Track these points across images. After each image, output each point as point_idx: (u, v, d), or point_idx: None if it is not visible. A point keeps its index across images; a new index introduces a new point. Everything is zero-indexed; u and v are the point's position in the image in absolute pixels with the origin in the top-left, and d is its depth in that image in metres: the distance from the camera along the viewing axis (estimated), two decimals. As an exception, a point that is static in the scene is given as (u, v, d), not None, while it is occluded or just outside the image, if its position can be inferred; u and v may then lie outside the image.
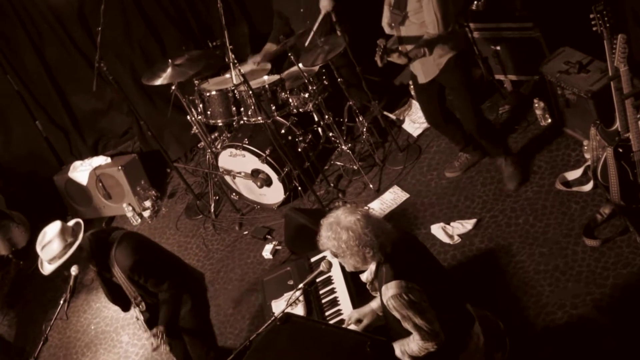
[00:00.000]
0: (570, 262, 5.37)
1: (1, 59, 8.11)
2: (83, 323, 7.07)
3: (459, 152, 6.59)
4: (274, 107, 6.74)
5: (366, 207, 6.48)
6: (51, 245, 4.87)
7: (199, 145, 7.87)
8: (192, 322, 5.41)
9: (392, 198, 6.63)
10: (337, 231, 4.04)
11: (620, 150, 5.06)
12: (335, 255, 4.15)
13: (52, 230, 4.91)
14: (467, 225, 6.02)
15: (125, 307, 5.49)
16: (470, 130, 6.22)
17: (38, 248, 4.92)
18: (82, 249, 4.96)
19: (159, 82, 6.82)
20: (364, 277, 4.30)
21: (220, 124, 7.09)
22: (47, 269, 4.95)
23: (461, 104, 6.07)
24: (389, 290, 4.00)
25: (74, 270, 5.17)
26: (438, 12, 5.53)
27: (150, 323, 5.33)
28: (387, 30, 6.00)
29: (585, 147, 5.98)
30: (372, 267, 4.17)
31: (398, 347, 4.22)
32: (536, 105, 6.56)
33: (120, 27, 8.08)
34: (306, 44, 6.80)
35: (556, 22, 6.61)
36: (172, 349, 5.40)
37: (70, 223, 5.05)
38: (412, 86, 7.06)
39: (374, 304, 4.52)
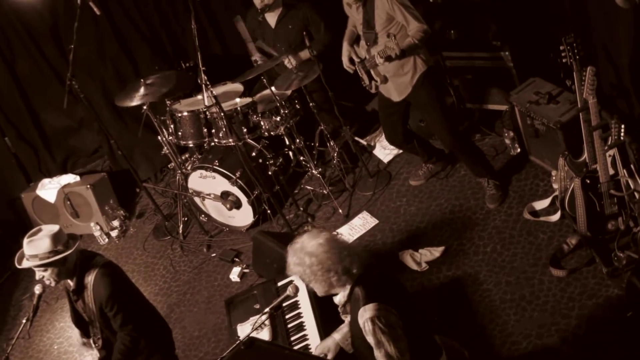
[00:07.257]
0: (537, 291, 5.39)
1: (-29, 73, 8.03)
2: (46, 343, 6.95)
3: (422, 163, 6.72)
4: (245, 130, 6.72)
5: (334, 232, 6.47)
6: (40, 243, 4.78)
7: (169, 165, 7.81)
8: None
9: (361, 223, 6.62)
10: (301, 257, 4.01)
11: (588, 181, 5.12)
12: (304, 281, 4.13)
13: (47, 230, 4.83)
14: (435, 252, 6.02)
15: (86, 333, 5.36)
16: (448, 148, 6.21)
17: (25, 240, 4.82)
18: (67, 261, 4.86)
19: (131, 104, 6.79)
20: (337, 299, 4.21)
21: (191, 145, 7.04)
22: (23, 264, 4.85)
23: (433, 121, 6.10)
24: (367, 312, 3.92)
25: (37, 289, 5.11)
26: (406, 12, 5.61)
27: None
28: (346, 63, 6.16)
29: (554, 178, 6.02)
30: (346, 289, 4.09)
31: None
32: (506, 134, 6.60)
33: (93, 45, 8.01)
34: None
35: (527, 52, 6.69)
36: None
37: (66, 232, 4.96)
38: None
39: (337, 335, 4.45)
